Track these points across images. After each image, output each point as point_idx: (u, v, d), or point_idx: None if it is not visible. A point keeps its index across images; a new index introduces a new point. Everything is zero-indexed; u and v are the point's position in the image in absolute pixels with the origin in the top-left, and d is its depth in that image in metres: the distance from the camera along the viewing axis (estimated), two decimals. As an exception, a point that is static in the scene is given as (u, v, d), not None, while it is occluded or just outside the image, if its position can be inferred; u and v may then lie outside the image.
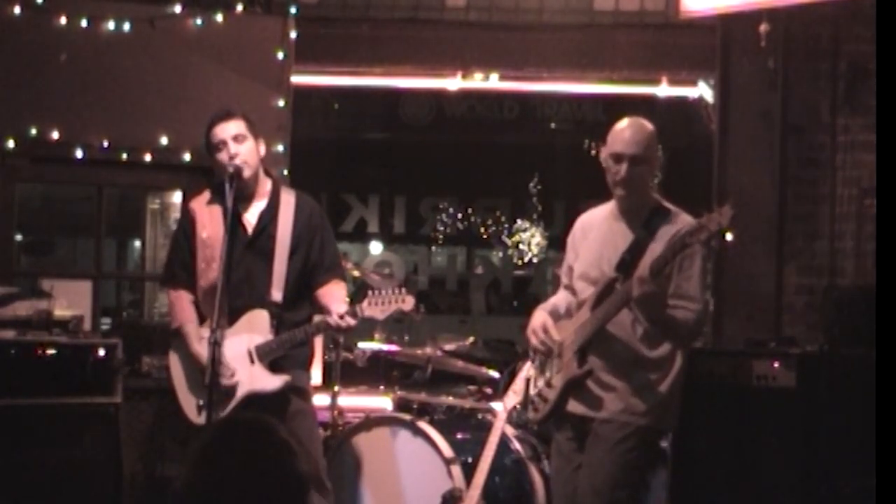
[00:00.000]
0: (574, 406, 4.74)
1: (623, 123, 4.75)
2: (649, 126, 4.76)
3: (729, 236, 4.43)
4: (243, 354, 5.18)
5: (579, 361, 4.67)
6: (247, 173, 5.23)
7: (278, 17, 7.39)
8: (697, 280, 4.63)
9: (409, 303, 5.21)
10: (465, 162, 14.76)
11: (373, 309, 5.19)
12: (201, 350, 5.15)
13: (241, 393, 5.18)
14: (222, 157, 5.22)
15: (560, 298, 4.95)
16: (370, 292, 5.23)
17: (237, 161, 5.19)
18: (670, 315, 4.57)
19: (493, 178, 15.02)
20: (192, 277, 5.34)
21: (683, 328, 4.62)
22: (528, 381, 5.44)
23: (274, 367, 5.22)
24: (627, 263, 4.60)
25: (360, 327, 5.99)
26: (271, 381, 5.19)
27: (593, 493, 4.64)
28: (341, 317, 5.14)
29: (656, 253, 4.52)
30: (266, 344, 5.19)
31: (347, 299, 5.31)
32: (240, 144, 5.22)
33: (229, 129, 5.23)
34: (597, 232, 4.82)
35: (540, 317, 4.82)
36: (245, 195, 5.28)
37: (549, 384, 4.78)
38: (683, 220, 4.63)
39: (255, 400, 5.19)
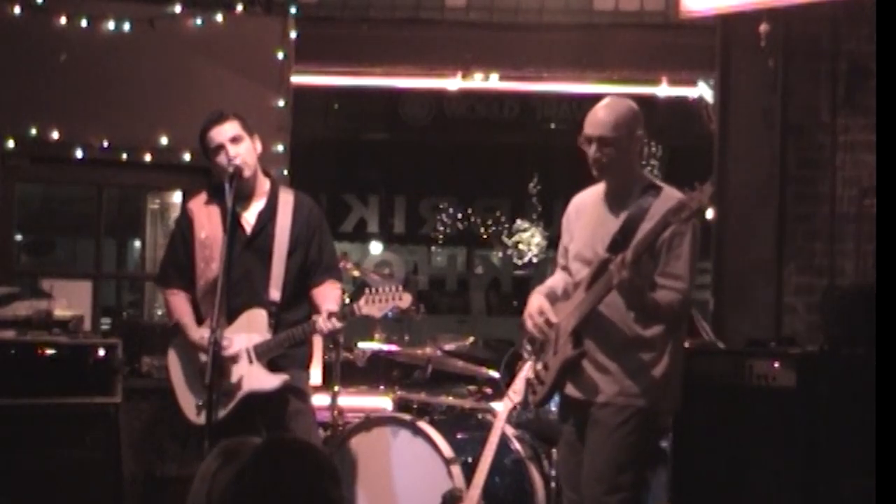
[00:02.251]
0: (572, 390, 4.74)
1: (600, 104, 4.75)
2: (625, 106, 4.74)
3: (709, 213, 4.44)
4: (243, 353, 5.18)
5: (574, 343, 4.67)
6: (247, 173, 5.23)
7: (278, 17, 7.39)
8: (686, 259, 4.62)
9: (406, 300, 5.20)
10: (465, 162, 14.76)
11: (370, 307, 5.19)
12: (203, 335, 5.13)
13: (240, 392, 5.18)
14: (221, 160, 5.22)
15: (557, 280, 4.94)
16: (367, 290, 5.23)
17: (237, 162, 5.19)
18: (652, 299, 4.56)
19: (493, 178, 15.02)
20: (190, 278, 5.34)
21: (667, 311, 4.61)
22: (528, 381, 5.45)
23: (272, 366, 5.22)
24: (619, 243, 4.60)
25: (359, 327, 5.99)
26: (270, 381, 5.19)
27: (596, 479, 4.63)
28: (329, 316, 5.13)
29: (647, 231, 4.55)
30: (264, 343, 5.19)
31: (345, 300, 5.30)
32: (237, 145, 5.22)
33: (225, 132, 5.23)
34: (590, 212, 4.83)
35: (536, 301, 4.81)
36: (244, 195, 5.28)
37: (546, 367, 4.78)
38: (675, 196, 4.61)
39: (254, 399, 5.19)
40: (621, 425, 4.63)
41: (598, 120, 4.69)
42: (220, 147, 5.22)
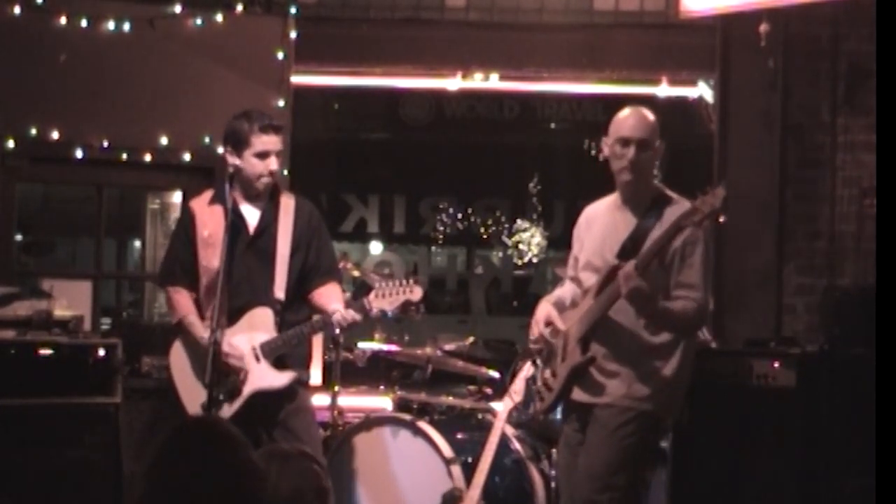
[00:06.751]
0: (578, 394, 4.75)
1: (626, 111, 4.78)
2: (651, 114, 4.80)
3: (721, 218, 4.46)
4: (248, 352, 5.18)
5: (582, 349, 4.68)
6: (269, 184, 5.25)
7: (278, 17, 7.39)
8: (699, 268, 4.64)
9: (417, 293, 5.20)
10: (465, 162, 14.74)
11: (380, 301, 5.18)
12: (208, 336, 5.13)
13: (247, 391, 5.18)
14: (253, 161, 5.19)
15: (566, 290, 4.96)
16: (377, 285, 5.22)
17: (273, 170, 5.20)
18: (664, 307, 4.58)
19: (493, 178, 15.00)
20: (193, 276, 5.34)
21: (681, 319, 4.62)
22: (528, 380, 5.44)
23: (277, 365, 5.22)
24: (629, 250, 4.62)
25: (359, 327, 5.98)
26: (278, 378, 5.20)
27: (590, 478, 4.64)
28: (348, 307, 5.13)
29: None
30: (272, 341, 5.19)
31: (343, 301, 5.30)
32: (278, 160, 5.25)
33: (277, 144, 5.24)
34: (601, 221, 4.85)
35: (544, 308, 4.83)
36: (250, 196, 5.29)
37: (553, 374, 4.79)
38: (687, 204, 4.63)
39: (261, 397, 5.19)
40: (622, 426, 4.64)
41: (634, 123, 4.72)
42: (266, 154, 5.20)
